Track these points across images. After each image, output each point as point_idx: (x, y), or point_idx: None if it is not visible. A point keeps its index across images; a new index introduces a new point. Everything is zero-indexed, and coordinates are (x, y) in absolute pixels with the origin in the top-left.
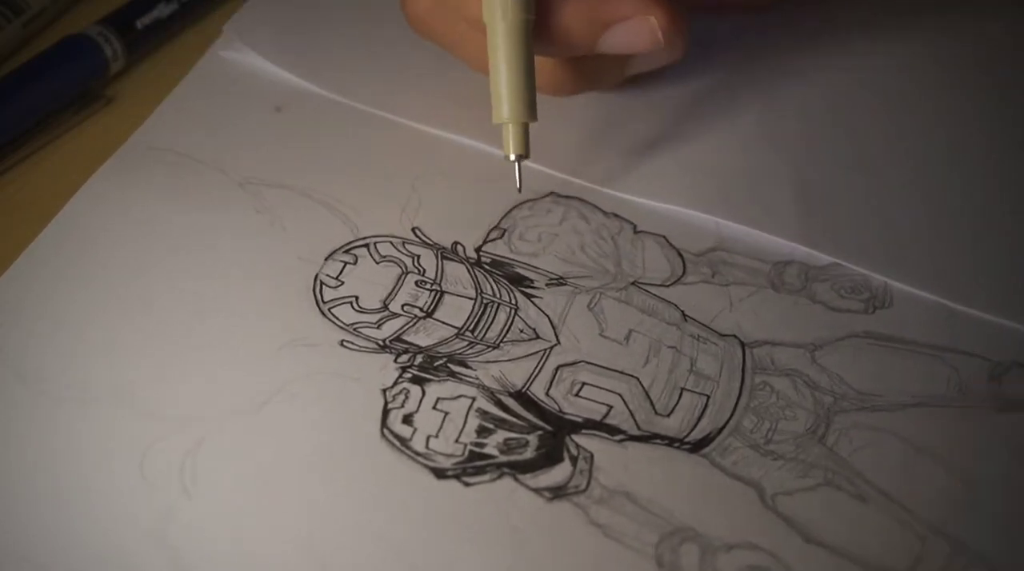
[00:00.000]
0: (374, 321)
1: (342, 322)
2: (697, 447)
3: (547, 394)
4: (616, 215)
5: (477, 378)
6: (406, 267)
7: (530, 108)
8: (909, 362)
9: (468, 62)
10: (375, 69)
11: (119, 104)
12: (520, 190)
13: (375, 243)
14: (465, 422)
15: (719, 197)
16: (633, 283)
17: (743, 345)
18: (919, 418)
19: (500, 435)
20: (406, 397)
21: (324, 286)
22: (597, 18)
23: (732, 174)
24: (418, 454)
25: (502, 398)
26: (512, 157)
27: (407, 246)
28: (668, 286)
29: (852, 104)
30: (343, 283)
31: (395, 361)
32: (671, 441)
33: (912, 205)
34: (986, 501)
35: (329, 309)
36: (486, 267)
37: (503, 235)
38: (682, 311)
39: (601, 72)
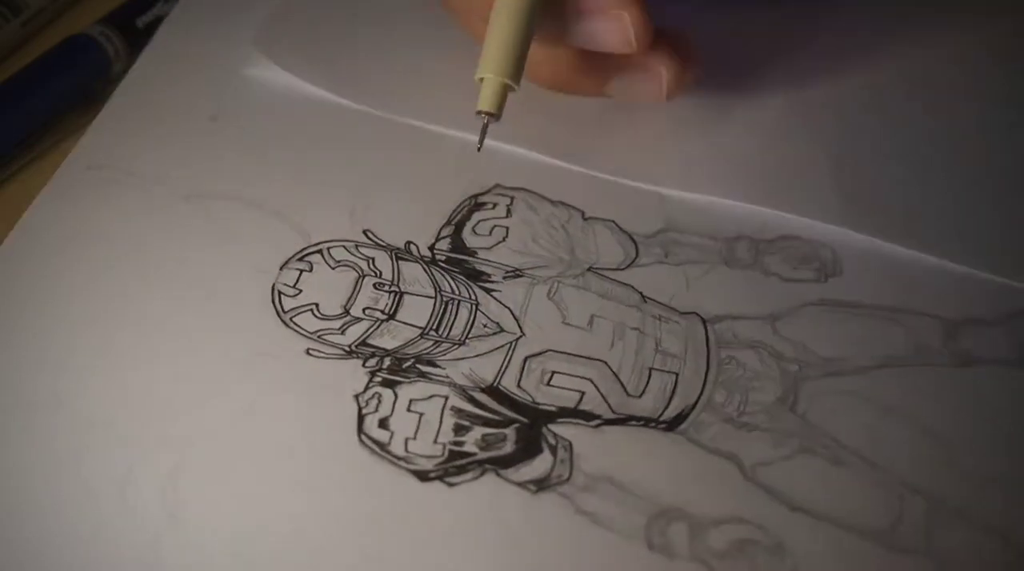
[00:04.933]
0: (337, 327)
1: (305, 330)
2: (672, 425)
3: (519, 386)
4: (563, 203)
5: (447, 376)
6: (362, 270)
7: (515, 69)
8: (866, 325)
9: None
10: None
11: None
12: (479, 149)
13: (328, 248)
14: (441, 422)
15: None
16: (589, 269)
17: (704, 321)
18: (883, 379)
19: (477, 432)
20: (379, 401)
21: (283, 296)
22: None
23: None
24: (399, 458)
25: (474, 394)
26: (483, 112)
27: (360, 249)
28: (623, 269)
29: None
30: (301, 291)
31: (363, 366)
32: (646, 421)
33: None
34: (957, 455)
35: (291, 318)
36: (442, 265)
37: (455, 232)
38: (640, 293)
39: (578, 76)
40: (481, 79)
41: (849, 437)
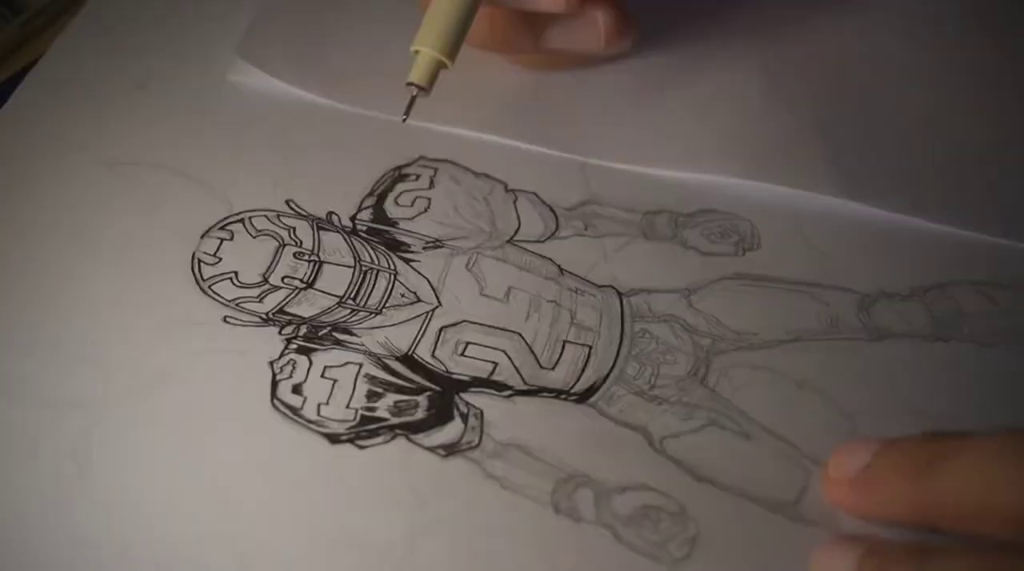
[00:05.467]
0: (255, 295)
1: (223, 298)
2: (583, 397)
3: (433, 356)
4: (487, 175)
5: (363, 345)
6: (283, 240)
7: (451, 46)
8: (780, 299)
9: None
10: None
11: None
12: (404, 120)
13: (250, 218)
14: (354, 388)
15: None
16: (509, 241)
17: (620, 294)
18: (795, 353)
19: (390, 398)
20: (293, 368)
21: (202, 264)
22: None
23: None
24: (311, 422)
25: (389, 362)
26: (413, 84)
27: (282, 219)
28: (543, 242)
29: None
30: (221, 260)
31: (280, 333)
32: (558, 393)
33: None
34: (866, 429)
35: (209, 286)
36: (362, 235)
37: (377, 203)
38: (558, 265)
39: (514, 33)
40: (416, 52)
41: (758, 411)
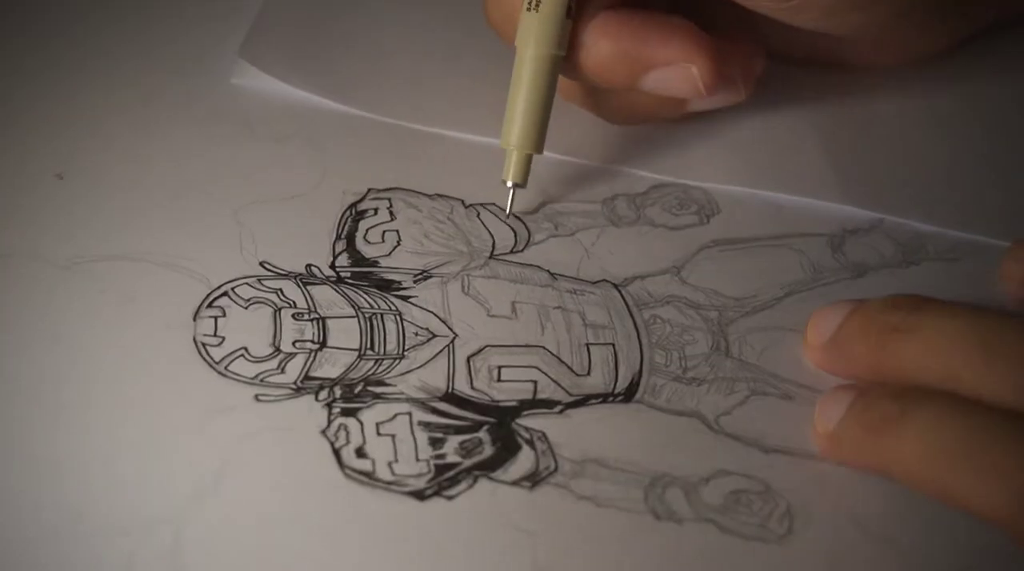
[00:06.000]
0: (275, 366)
1: (245, 377)
2: (629, 395)
3: (473, 388)
4: (440, 195)
5: (402, 393)
6: (275, 304)
7: (538, 141)
8: (762, 257)
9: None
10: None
11: None
12: (509, 215)
13: (233, 289)
14: (415, 438)
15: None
16: (491, 256)
17: (616, 286)
18: (796, 305)
19: (453, 441)
20: (348, 432)
21: (207, 347)
22: (637, 60)
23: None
24: (389, 483)
25: (435, 405)
26: (509, 184)
27: (265, 282)
28: (523, 250)
29: None
30: (224, 338)
31: (316, 400)
32: (604, 397)
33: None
34: None
35: (226, 368)
36: (349, 282)
37: (348, 245)
38: (548, 270)
39: (656, 108)
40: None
41: (788, 370)
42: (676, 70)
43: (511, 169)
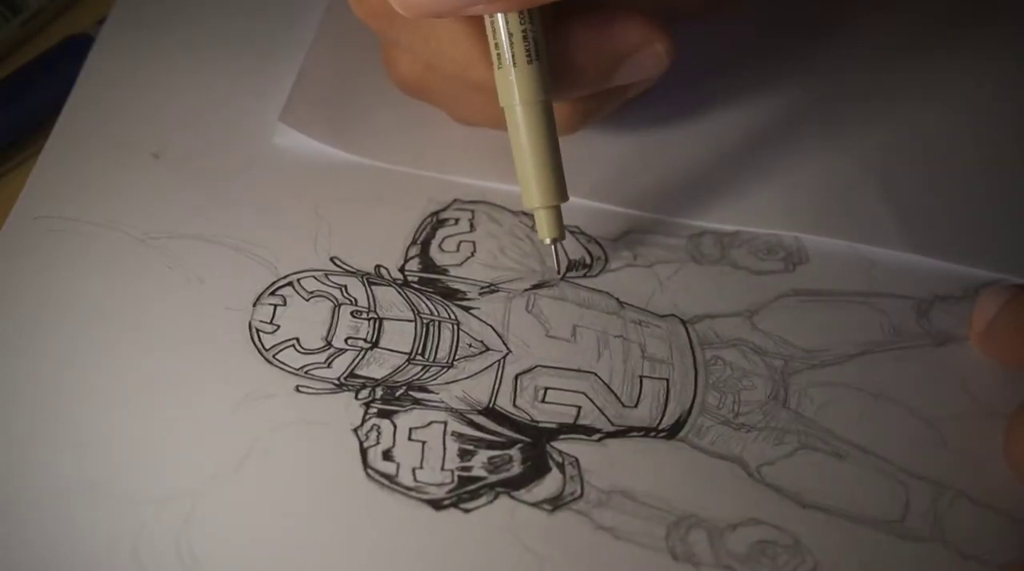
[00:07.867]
0: (323, 360)
1: (291, 367)
2: (672, 433)
3: (515, 405)
4: (524, 213)
5: (442, 401)
6: (336, 299)
7: (560, 190)
8: (842, 313)
9: (458, 118)
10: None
11: None
12: (559, 273)
13: (299, 280)
14: (445, 448)
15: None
16: (562, 279)
17: (684, 323)
18: (867, 366)
19: (483, 455)
20: (379, 433)
21: (261, 333)
22: (610, 54)
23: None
24: (409, 488)
25: (473, 417)
26: (547, 241)
27: (331, 277)
28: (596, 276)
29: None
30: (279, 326)
31: (356, 398)
32: (646, 431)
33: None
34: (949, 436)
35: (274, 356)
36: (415, 286)
37: (422, 251)
38: (617, 298)
39: (604, 103)
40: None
41: (844, 429)
42: (646, 54)
43: (544, 227)
